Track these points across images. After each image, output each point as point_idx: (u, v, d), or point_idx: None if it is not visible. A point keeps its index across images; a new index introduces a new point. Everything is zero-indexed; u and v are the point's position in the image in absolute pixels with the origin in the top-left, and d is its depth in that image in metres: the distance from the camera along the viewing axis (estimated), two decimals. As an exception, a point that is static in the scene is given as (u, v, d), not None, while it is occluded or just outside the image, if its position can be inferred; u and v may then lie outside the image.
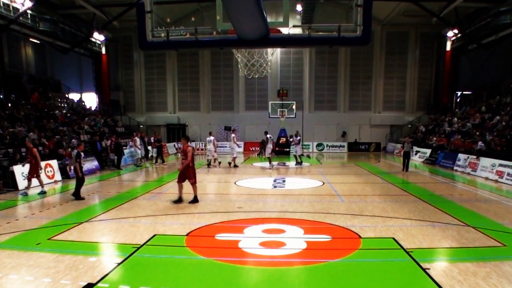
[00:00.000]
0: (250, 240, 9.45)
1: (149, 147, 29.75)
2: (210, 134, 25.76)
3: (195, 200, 13.75)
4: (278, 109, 35.91)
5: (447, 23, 33.91)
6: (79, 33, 34.66)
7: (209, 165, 25.74)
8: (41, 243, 9.11)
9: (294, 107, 36.07)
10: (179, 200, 13.72)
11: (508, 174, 18.68)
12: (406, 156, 22.89)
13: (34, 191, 16.66)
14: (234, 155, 26.17)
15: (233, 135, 26.45)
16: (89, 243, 9.24)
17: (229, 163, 26.10)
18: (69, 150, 22.70)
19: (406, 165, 22.80)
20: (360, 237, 9.51)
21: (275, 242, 9.17)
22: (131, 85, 42.24)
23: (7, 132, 21.54)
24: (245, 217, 11.72)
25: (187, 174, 13.65)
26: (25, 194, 15.87)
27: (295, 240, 9.38)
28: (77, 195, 14.75)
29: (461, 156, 23.72)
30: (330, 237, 9.69)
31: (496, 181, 19.11)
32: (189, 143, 13.91)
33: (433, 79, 40.17)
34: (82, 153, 14.93)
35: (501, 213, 12.11)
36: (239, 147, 26.26)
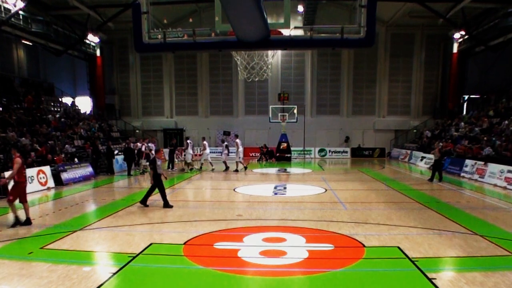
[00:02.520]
0: (250, 249, 9.47)
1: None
2: (237, 136, 27.94)
3: (16, 223, 11.57)
4: (279, 114, 35.94)
5: (454, 25, 33.97)
6: (72, 35, 34.68)
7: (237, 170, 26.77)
8: (34, 252, 9.12)
9: (295, 111, 36.08)
10: (16, 223, 11.62)
11: (517, 181, 18.71)
12: (437, 166, 21.68)
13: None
14: (240, 159, 27.00)
15: (238, 140, 27.07)
16: (83, 252, 9.26)
17: (245, 168, 27.16)
18: (62, 155, 22.76)
19: (439, 175, 21.50)
20: (363, 246, 9.53)
21: (276, 251, 9.19)
22: (127, 88, 42.24)
23: (-2, 137, 21.58)
24: (245, 225, 11.73)
25: (16, 189, 11.79)
26: None
27: (296, 249, 9.39)
28: (143, 201, 14.71)
29: (468, 162, 23.72)
30: (332, 246, 9.70)
31: (505, 188, 19.08)
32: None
33: (440, 83, 40.21)
34: (158, 160, 14.69)
35: (510, 221, 12.12)
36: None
